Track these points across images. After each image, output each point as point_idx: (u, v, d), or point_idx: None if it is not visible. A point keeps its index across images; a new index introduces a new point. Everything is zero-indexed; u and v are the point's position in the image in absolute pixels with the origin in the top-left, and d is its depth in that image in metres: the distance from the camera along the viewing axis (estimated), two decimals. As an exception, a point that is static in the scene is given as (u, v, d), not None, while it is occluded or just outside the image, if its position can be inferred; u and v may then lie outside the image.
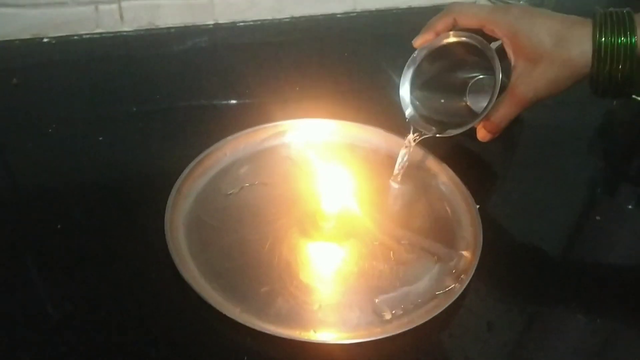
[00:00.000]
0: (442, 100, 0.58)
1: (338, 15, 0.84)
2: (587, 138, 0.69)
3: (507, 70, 0.52)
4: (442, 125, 0.54)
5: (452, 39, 0.52)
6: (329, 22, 0.83)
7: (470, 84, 0.56)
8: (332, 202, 0.53)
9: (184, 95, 0.68)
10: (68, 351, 0.42)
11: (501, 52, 0.51)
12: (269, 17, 0.82)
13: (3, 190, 0.55)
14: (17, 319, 0.44)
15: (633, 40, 0.45)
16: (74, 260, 0.48)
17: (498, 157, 0.64)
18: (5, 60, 0.72)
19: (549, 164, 0.64)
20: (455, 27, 0.52)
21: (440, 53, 0.53)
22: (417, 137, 0.55)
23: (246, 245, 0.51)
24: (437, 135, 0.54)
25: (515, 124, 0.67)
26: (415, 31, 0.54)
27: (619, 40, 0.45)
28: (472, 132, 0.55)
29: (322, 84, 0.71)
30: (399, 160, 0.56)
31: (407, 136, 0.55)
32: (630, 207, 0.60)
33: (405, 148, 0.55)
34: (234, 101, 0.67)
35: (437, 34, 0.52)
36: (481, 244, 0.50)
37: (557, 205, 0.58)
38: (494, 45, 0.51)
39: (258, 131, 0.60)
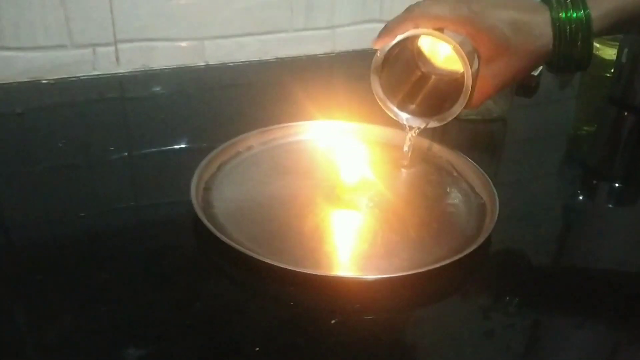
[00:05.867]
0: (423, 95, 0.62)
1: (319, 56, 0.91)
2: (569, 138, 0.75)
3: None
4: (433, 115, 0.58)
5: (414, 32, 0.52)
6: (310, 62, 0.89)
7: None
8: (351, 176, 0.55)
9: (178, 135, 0.69)
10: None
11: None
12: (256, 59, 0.88)
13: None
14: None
15: (587, 12, 0.50)
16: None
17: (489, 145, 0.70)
18: (3, 103, 0.73)
19: (532, 159, 0.69)
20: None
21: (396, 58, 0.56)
22: (415, 132, 0.59)
23: (275, 214, 0.52)
24: (429, 126, 0.58)
25: (500, 121, 0.73)
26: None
27: (575, 15, 0.50)
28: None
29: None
30: (405, 149, 0.59)
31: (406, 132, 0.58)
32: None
33: (408, 142, 0.59)
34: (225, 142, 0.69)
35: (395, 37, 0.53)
36: (498, 205, 0.53)
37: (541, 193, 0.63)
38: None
39: (275, 129, 0.63)
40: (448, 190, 0.58)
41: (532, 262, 0.52)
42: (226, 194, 0.55)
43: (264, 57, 0.88)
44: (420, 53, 0.59)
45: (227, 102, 0.78)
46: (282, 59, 0.89)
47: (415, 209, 0.55)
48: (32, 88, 0.77)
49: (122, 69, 0.81)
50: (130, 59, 0.81)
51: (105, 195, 0.57)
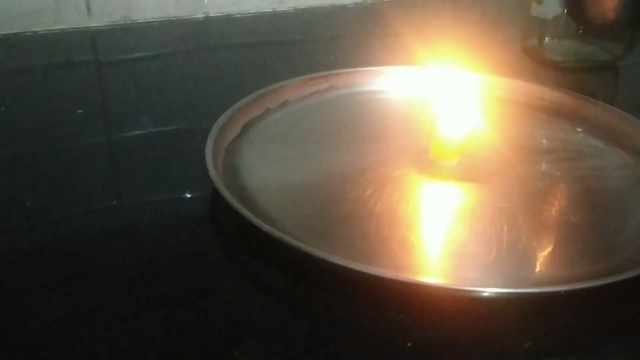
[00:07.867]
0: None
1: (348, 6, 0.73)
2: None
3: None
4: None
5: None
6: (337, 14, 0.72)
7: None
8: (450, 134, 0.37)
9: (171, 110, 0.50)
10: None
11: None
12: (269, 9, 0.70)
13: None
14: None
15: None
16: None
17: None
18: None
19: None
20: None
21: None
22: None
23: (339, 194, 0.33)
24: None
25: None
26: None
27: None
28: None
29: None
30: None
31: None
32: None
33: None
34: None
35: None
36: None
37: None
38: None
39: (316, 80, 0.45)
40: (599, 156, 0.39)
41: None
42: (258, 167, 0.36)
43: (279, 8, 0.71)
44: None
45: (233, 66, 0.60)
46: (302, 9, 0.72)
47: (554, 185, 0.36)
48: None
49: (95, 22, 0.64)
50: (105, 9, 0.64)
51: (80, 193, 0.37)
